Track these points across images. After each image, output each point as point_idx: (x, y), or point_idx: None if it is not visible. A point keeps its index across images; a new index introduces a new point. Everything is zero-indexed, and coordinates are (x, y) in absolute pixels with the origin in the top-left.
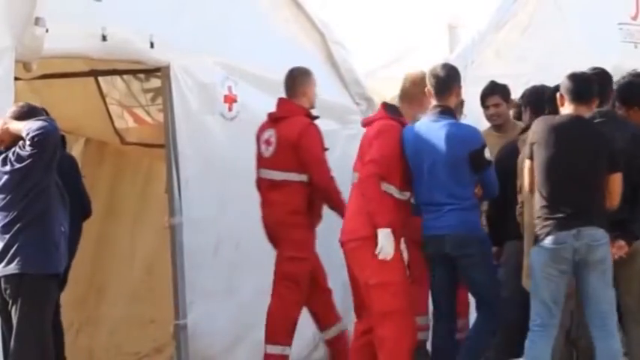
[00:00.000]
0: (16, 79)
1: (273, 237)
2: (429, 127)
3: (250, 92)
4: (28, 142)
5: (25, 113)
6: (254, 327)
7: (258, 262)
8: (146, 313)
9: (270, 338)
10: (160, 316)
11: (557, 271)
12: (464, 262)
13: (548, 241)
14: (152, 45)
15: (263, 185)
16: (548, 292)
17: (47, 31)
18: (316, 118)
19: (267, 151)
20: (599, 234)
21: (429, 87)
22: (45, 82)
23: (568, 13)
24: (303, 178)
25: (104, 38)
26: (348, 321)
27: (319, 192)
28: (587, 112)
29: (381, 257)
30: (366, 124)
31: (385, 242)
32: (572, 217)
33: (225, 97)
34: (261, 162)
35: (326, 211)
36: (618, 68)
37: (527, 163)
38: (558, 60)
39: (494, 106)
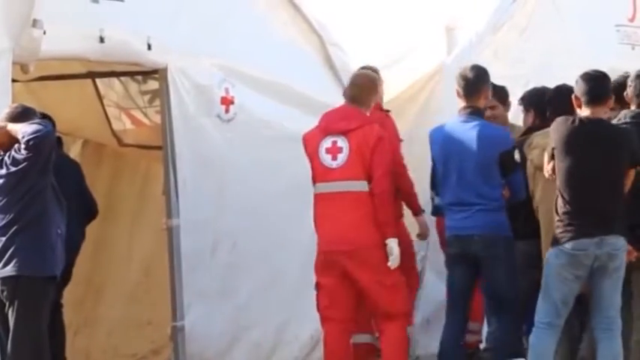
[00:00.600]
0: (13, 80)
1: None
2: (460, 127)
3: (248, 94)
4: (23, 146)
5: (20, 114)
6: (251, 328)
7: (255, 263)
8: (143, 314)
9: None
10: (157, 318)
11: (573, 275)
12: (490, 262)
13: (569, 245)
14: (149, 47)
15: None
16: (561, 294)
17: (45, 32)
18: (388, 111)
19: None
20: (620, 242)
21: (458, 88)
22: (42, 84)
23: (566, 15)
24: None
25: (102, 40)
26: None
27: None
28: (603, 112)
29: (391, 264)
30: (345, 132)
31: (398, 251)
32: (595, 224)
33: (223, 98)
34: None
35: None
36: (615, 70)
37: (547, 158)
38: (556, 61)
39: (490, 109)
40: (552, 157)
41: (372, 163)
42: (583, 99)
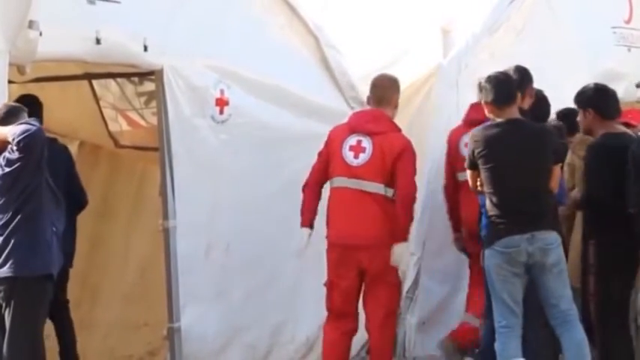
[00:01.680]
0: (9, 82)
1: (474, 235)
2: None
3: (243, 96)
4: (15, 147)
5: (5, 114)
6: (246, 329)
7: (251, 265)
8: (140, 316)
9: (470, 308)
10: (153, 319)
11: (510, 273)
12: None
13: (501, 244)
14: (146, 48)
15: (464, 187)
16: (507, 293)
17: (41, 34)
18: None
19: None
20: (552, 237)
21: None
22: (39, 86)
23: (562, 17)
24: None
25: (98, 41)
26: None
27: None
28: (515, 111)
29: (397, 265)
30: (371, 133)
31: (408, 258)
32: (524, 221)
33: (217, 100)
34: (461, 165)
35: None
36: (612, 71)
37: (468, 172)
38: (552, 63)
39: None
40: (471, 167)
41: (398, 171)
42: (493, 103)
